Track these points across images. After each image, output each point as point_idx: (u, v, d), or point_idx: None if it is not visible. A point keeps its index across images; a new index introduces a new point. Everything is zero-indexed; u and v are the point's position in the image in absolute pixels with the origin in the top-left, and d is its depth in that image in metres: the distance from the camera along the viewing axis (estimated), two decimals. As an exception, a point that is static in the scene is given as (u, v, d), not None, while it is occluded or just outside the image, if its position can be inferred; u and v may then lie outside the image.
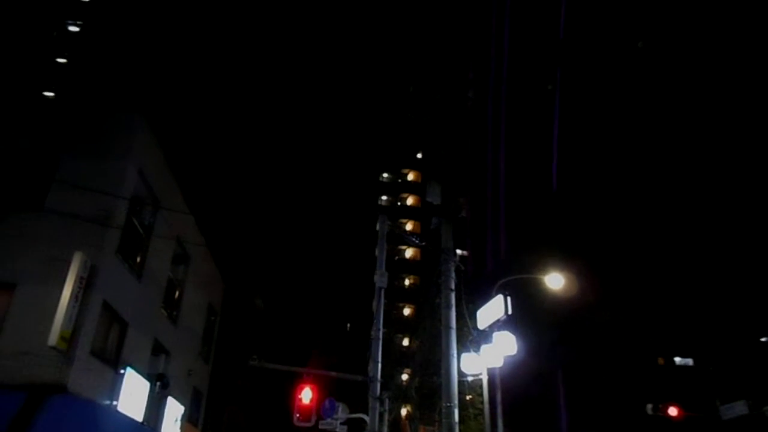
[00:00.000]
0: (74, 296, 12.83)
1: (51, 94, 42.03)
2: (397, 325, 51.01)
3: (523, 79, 41.04)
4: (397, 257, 59.06)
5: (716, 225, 26.88)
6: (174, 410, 19.46)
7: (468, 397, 24.99)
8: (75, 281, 12.90)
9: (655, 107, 30.45)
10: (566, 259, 22.53)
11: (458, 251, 12.19)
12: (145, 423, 16.70)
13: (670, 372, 28.96)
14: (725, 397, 23.22)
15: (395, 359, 37.16)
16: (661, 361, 29.75)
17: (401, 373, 38.56)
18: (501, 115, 42.94)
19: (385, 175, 66.27)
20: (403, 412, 35.86)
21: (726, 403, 22.54)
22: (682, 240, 27.86)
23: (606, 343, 28.13)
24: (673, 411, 21.48)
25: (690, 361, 29.27)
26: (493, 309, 12.41)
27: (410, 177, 66.05)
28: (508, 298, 11.98)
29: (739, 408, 21.07)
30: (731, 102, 27.42)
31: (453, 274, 11.92)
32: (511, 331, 12.11)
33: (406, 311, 57.32)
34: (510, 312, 11.81)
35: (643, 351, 28.65)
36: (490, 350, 12.46)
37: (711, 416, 22.69)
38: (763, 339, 25.16)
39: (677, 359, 29.66)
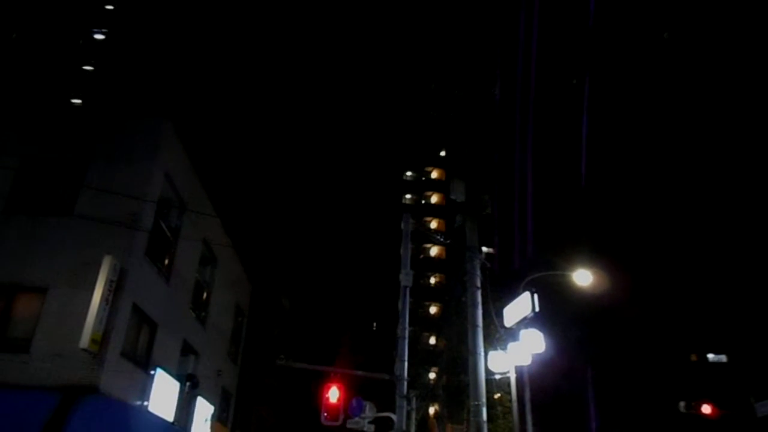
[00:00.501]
0: (104, 299, 13.04)
1: (78, 101, 42.82)
2: (423, 324, 50.98)
3: (551, 73, 40.59)
4: (422, 255, 59.02)
5: (750, 219, 26.28)
6: (204, 410, 19.68)
7: (496, 396, 24.85)
8: (105, 284, 13.11)
9: (684, 101, 29.87)
10: (595, 255, 22.25)
11: (484, 248, 12.10)
12: (175, 423, 16.91)
13: (703, 369, 28.40)
14: (760, 393, 22.72)
15: (422, 358, 37.12)
16: (694, 357, 29.18)
17: (428, 372, 38.55)
18: (528, 110, 42.52)
19: (409, 173, 66.23)
20: (431, 411, 35.80)
21: (761, 400, 22.07)
22: (714, 234, 27.30)
23: (637, 340, 27.70)
24: (707, 409, 21.07)
25: (723, 358, 28.66)
26: (520, 306, 12.26)
27: (434, 175, 65.93)
28: (535, 296, 11.82)
29: (775, 405, 20.61)
30: (760, 94, 26.78)
31: (478, 272, 11.83)
32: (538, 329, 11.97)
33: (433, 309, 57.22)
34: (537, 309, 11.65)
35: (676, 348, 28.14)
36: (517, 348, 12.33)
37: (746, 413, 22.24)
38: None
39: (710, 356, 29.07)
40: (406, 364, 12.27)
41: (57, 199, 15.00)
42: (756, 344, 25.54)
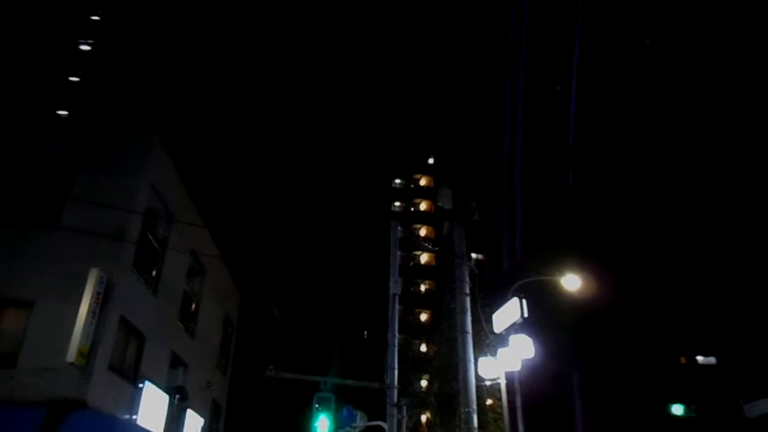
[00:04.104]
0: (91, 312, 12.94)
1: (64, 112, 42.58)
2: (414, 331, 50.77)
3: (538, 80, 40.89)
4: (412, 263, 58.94)
5: (737, 222, 26.55)
6: (193, 423, 19.52)
7: (488, 402, 24.83)
8: (92, 297, 13.01)
9: (669, 106, 30.20)
10: (583, 260, 22.36)
11: (473, 255, 12.17)
12: (165, 436, 16.77)
13: (692, 371, 28.57)
14: (749, 395, 22.92)
15: (413, 365, 37.02)
16: (683, 360, 29.36)
17: (419, 380, 38.44)
18: (516, 117, 42.76)
19: (398, 181, 66.30)
20: (423, 418, 35.70)
21: (750, 401, 22.25)
22: (702, 238, 27.54)
23: (626, 343, 27.83)
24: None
25: (713, 360, 28.86)
26: (509, 312, 12.31)
27: (423, 182, 66.02)
28: (524, 301, 11.88)
29: (764, 406, 20.78)
30: (745, 97, 27.14)
31: (467, 279, 11.89)
32: (528, 334, 12.01)
33: (423, 317, 57.08)
34: (526, 314, 11.70)
35: (665, 350, 28.30)
36: (507, 354, 12.35)
37: (735, 415, 22.40)
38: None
39: (700, 358, 29.26)
40: (396, 372, 12.26)
41: (43, 212, 14.86)
42: (745, 346, 25.76)
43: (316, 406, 11.40)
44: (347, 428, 12.01)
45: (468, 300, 11.42)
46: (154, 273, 16.96)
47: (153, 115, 38.26)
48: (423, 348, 51.11)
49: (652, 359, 27.69)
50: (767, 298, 24.50)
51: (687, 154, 28.78)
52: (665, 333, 27.91)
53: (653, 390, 26.29)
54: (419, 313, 57.15)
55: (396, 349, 12.53)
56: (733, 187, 26.94)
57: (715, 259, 26.86)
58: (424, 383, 38.56)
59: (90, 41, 46.90)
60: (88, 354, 12.81)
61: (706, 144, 28.24)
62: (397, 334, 12.75)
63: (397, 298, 13.14)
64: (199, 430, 20.11)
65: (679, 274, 27.63)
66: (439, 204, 13.11)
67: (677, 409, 24.07)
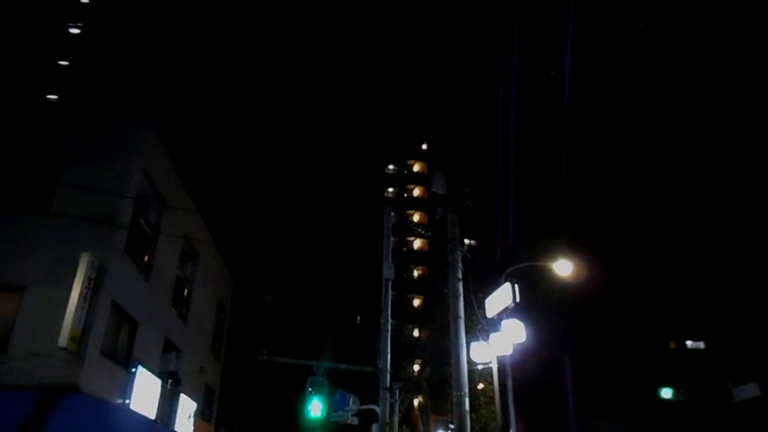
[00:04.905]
0: (83, 297, 12.90)
1: (54, 97, 42.13)
2: (406, 316, 50.98)
3: (532, 64, 40.75)
4: (405, 248, 59.10)
5: (726, 207, 26.70)
6: (187, 407, 19.59)
7: (480, 387, 25.02)
8: (83, 282, 12.97)
9: (663, 92, 30.21)
10: (575, 245, 22.44)
11: (466, 241, 12.15)
12: (157, 420, 16.81)
13: (681, 356, 28.86)
14: (737, 379, 23.18)
15: (406, 350, 37.20)
16: (672, 344, 29.63)
17: (412, 364, 38.66)
18: (510, 103, 42.65)
19: (391, 166, 66.23)
20: (416, 403, 35.96)
21: (738, 385, 22.51)
22: (691, 223, 27.71)
23: (616, 328, 28.05)
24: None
25: (702, 344, 29.14)
26: (501, 297, 12.37)
27: (416, 168, 66.00)
28: (516, 286, 11.93)
29: (752, 390, 21.02)
30: (740, 82, 27.18)
31: (460, 264, 11.89)
32: (519, 319, 12.08)
33: (416, 302, 57.30)
34: (517, 299, 11.76)
35: (654, 335, 28.55)
36: (498, 338, 12.43)
37: (723, 399, 22.66)
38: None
39: (689, 343, 29.54)
40: (388, 356, 12.32)
41: (33, 197, 14.76)
42: (733, 330, 26.02)
43: (309, 390, 11.45)
44: (340, 412, 12.08)
45: (461, 285, 11.44)
46: (146, 258, 16.91)
47: (145, 99, 37.95)
48: (416, 333, 51.38)
49: (641, 344, 27.94)
50: (756, 283, 24.72)
51: (679, 141, 28.86)
52: (655, 318, 28.14)
53: (643, 374, 26.55)
54: (412, 298, 57.36)
55: (389, 334, 12.57)
56: (724, 174, 27.06)
57: (705, 244, 27.05)
58: (416, 368, 38.80)
59: (80, 24, 46.32)
60: (80, 339, 12.79)
61: (699, 131, 28.31)
62: (390, 319, 12.79)
63: (390, 283, 13.16)
64: (192, 414, 20.18)
65: (669, 260, 27.82)
66: (433, 189, 13.07)
67: (666, 393, 24.33)
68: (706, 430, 23.93)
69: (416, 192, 64.90)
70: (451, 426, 23.39)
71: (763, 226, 24.79)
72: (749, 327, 25.08)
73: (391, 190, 65.22)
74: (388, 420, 11.82)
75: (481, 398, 24.87)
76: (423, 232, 25.71)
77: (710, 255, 26.73)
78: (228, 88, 46.64)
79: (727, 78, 27.61)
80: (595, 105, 33.18)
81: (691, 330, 28.82)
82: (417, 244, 61.00)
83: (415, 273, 60.14)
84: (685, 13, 30.26)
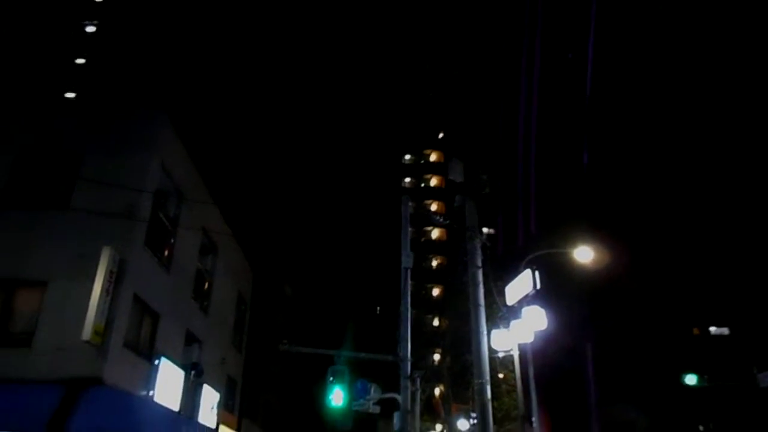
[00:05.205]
0: (105, 290, 13.02)
1: (72, 95, 42.52)
2: (426, 306, 51.10)
3: (555, 51, 40.21)
4: (423, 239, 59.02)
5: (751, 192, 26.23)
6: (210, 398, 19.75)
7: (500, 375, 24.92)
8: (105, 276, 13.08)
9: (684, 75, 29.67)
10: (596, 232, 22.20)
11: (485, 229, 12.02)
12: (181, 412, 16.97)
13: (705, 342, 28.50)
14: (763, 365, 22.82)
15: (426, 340, 37.20)
16: (696, 331, 29.28)
17: (432, 354, 38.66)
18: (533, 90, 42.15)
19: (408, 156, 66.03)
20: (437, 392, 35.99)
21: (763, 371, 22.15)
22: (715, 208, 27.27)
23: (639, 314, 27.77)
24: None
25: (726, 331, 28.75)
26: (522, 284, 12.25)
27: (433, 158, 65.73)
28: (537, 273, 11.80)
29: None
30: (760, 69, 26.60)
31: (479, 252, 11.77)
32: (540, 306, 11.96)
33: (435, 292, 57.33)
34: (538, 286, 11.63)
35: (678, 322, 28.22)
36: (519, 326, 12.32)
37: (748, 384, 22.33)
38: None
39: (712, 329, 29.16)
40: (408, 344, 12.26)
41: (53, 192, 14.91)
42: (758, 316, 25.62)
43: (330, 379, 11.44)
44: (362, 400, 12.06)
45: (480, 273, 11.32)
46: (166, 251, 17.01)
47: (162, 94, 38.14)
48: (435, 322, 51.38)
49: (664, 330, 27.65)
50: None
51: (701, 126, 28.36)
52: (678, 304, 27.81)
53: (666, 361, 26.28)
54: (431, 288, 57.40)
55: (408, 322, 12.51)
56: (749, 158, 26.55)
57: (728, 231, 26.62)
58: (436, 357, 38.80)
59: (95, 22, 46.62)
60: (103, 332, 12.92)
61: (722, 115, 27.80)
62: (409, 307, 12.73)
63: (409, 271, 13.09)
64: (216, 405, 20.35)
65: (692, 247, 27.43)
66: (450, 177, 12.92)
67: (690, 379, 24.03)
68: (731, 416, 23.65)
69: (433, 182, 64.69)
70: (473, 414, 23.36)
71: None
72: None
73: (408, 179, 65.07)
74: (409, 409, 11.79)
75: (503, 386, 24.77)
76: (440, 220, 25.55)
77: (733, 241, 26.32)
78: (244, 82, 46.73)
79: (755, 58, 27.02)
80: (617, 90, 32.69)
81: (715, 316, 28.46)
82: (435, 234, 60.89)
83: (434, 263, 60.09)
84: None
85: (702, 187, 27.70)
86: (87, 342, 12.49)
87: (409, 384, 11.89)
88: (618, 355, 28.14)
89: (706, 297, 27.69)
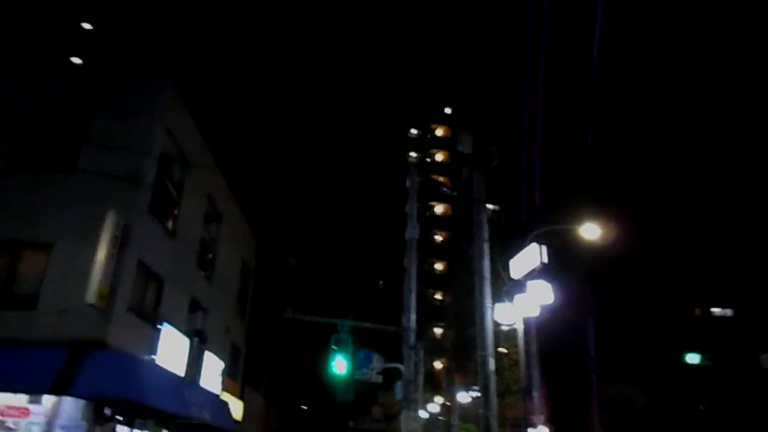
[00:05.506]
0: (110, 255, 13.00)
1: (78, 57, 42.18)
2: (429, 281, 51.25)
3: (562, 24, 39.56)
4: (428, 213, 58.94)
5: (758, 170, 25.94)
6: (214, 365, 19.88)
7: (503, 349, 24.99)
8: (110, 240, 13.05)
9: (695, 52, 29.16)
10: (602, 208, 22.02)
11: (490, 206, 11.92)
12: (186, 377, 17.09)
13: (709, 323, 28.47)
14: (767, 346, 22.83)
15: (428, 313, 37.36)
16: (698, 312, 29.23)
17: (435, 327, 38.85)
18: (539, 64, 41.56)
19: (414, 131, 65.59)
20: (438, 365, 36.23)
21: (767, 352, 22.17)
22: (720, 187, 27.02)
23: (641, 294, 27.71)
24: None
25: (729, 312, 28.69)
26: (528, 258, 12.14)
27: (439, 132, 65.29)
28: (544, 247, 11.69)
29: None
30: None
31: (486, 224, 11.67)
32: (546, 281, 11.86)
33: (438, 267, 57.44)
34: (545, 260, 11.52)
35: (681, 301, 28.15)
36: (524, 300, 12.25)
37: (751, 365, 22.36)
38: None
39: (716, 310, 29.10)
40: (413, 315, 12.24)
41: (59, 155, 14.87)
42: (762, 297, 25.53)
43: (333, 347, 11.45)
44: (365, 370, 12.09)
45: (487, 246, 11.24)
46: (170, 218, 16.97)
47: (167, 57, 37.80)
48: (438, 297, 51.58)
49: (668, 309, 27.60)
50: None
51: (708, 103, 27.95)
52: (682, 284, 27.71)
53: (669, 340, 26.28)
54: (434, 263, 57.50)
55: (413, 294, 12.49)
56: (756, 137, 26.20)
57: (733, 210, 26.40)
58: (438, 331, 38.99)
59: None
60: (108, 295, 12.93)
61: (732, 91, 27.37)
62: (415, 278, 12.69)
63: (414, 242, 13.02)
64: (220, 372, 20.50)
65: (696, 226, 27.25)
66: (459, 149, 12.79)
67: (693, 358, 24.08)
68: (733, 396, 23.72)
69: (439, 157, 64.35)
70: (475, 387, 23.51)
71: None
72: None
73: (414, 154, 64.74)
74: (412, 379, 11.81)
75: (505, 360, 24.87)
76: (448, 191, 25.44)
77: (739, 221, 26.12)
78: (253, 51, 46.27)
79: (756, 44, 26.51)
80: (625, 64, 32.19)
81: (718, 297, 28.37)
82: (440, 209, 60.77)
83: (438, 238, 60.08)
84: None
85: (709, 165, 27.41)
86: (91, 305, 12.50)
87: (412, 354, 11.89)
88: (620, 333, 28.15)
89: (709, 277, 27.57)
